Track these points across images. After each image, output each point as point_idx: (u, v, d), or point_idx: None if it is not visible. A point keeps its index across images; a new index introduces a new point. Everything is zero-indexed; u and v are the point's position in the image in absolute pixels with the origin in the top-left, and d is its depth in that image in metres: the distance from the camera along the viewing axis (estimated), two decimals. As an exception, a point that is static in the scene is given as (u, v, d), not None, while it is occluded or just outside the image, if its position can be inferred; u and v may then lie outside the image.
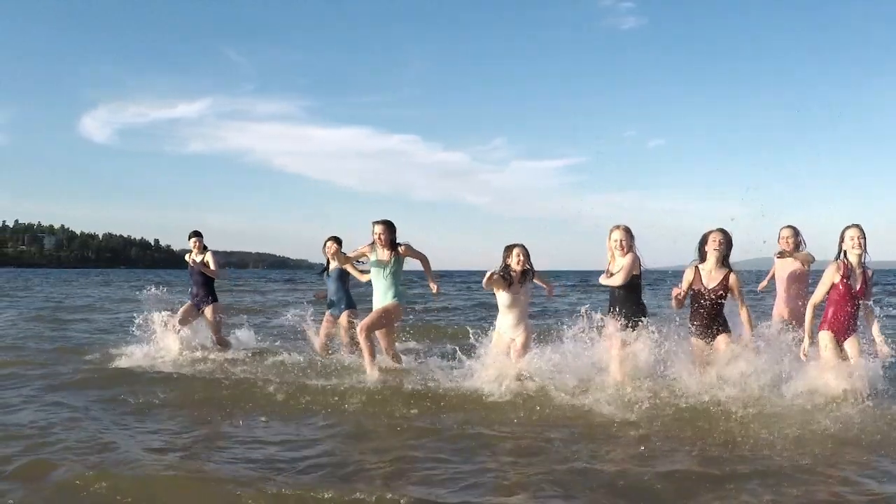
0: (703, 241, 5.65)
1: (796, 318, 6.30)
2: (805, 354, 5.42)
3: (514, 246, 6.27)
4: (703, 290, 5.60)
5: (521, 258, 6.19)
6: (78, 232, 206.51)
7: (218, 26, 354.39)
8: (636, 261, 5.81)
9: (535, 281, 6.35)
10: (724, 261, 5.63)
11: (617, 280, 5.74)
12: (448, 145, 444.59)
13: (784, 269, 6.65)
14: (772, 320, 6.42)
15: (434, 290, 6.83)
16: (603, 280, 5.89)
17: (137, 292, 8.80)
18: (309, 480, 3.68)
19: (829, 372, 5.25)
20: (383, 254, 6.81)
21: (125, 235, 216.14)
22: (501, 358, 6.13)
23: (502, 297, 6.20)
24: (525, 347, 6.15)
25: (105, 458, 4.00)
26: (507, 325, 6.27)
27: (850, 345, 5.44)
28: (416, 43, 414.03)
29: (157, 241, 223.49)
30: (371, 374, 6.45)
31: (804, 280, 6.63)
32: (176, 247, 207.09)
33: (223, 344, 8.23)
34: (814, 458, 3.95)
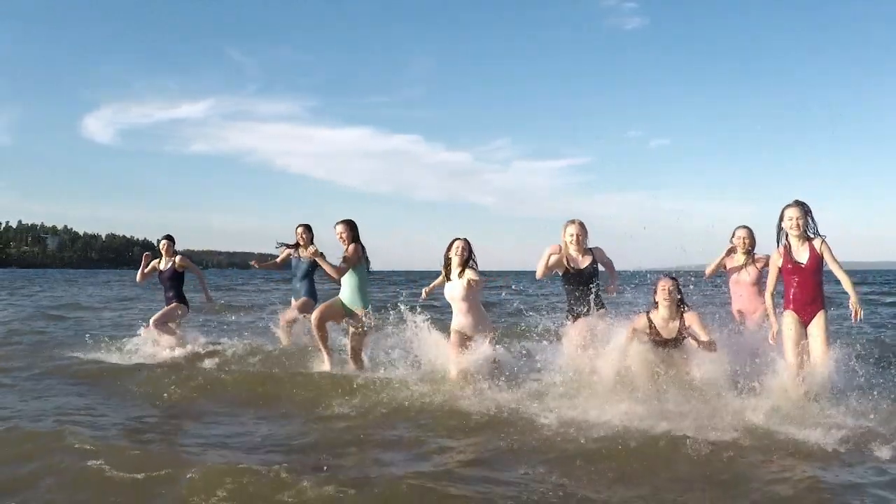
0: (656, 289, 5.46)
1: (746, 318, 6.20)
2: (773, 340, 5.44)
3: (455, 240, 6.30)
4: (660, 339, 5.43)
5: (460, 250, 6.19)
6: (81, 232, 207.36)
7: (221, 27, 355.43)
8: (605, 253, 6.16)
9: (471, 280, 6.13)
10: (677, 306, 5.42)
11: (615, 277, 6.16)
12: (451, 145, 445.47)
13: (735, 269, 6.36)
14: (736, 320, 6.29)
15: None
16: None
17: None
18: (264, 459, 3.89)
19: (787, 358, 5.23)
20: (346, 253, 6.69)
21: (128, 236, 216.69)
22: (456, 356, 6.11)
23: (446, 291, 6.27)
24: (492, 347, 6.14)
25: (99, 443, 4.23)
26: (459, 322, 6.24)
27: (815, 326, 5.32)
28: (419, 43, 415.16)
29: (159, 241, 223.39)
30: (326, 364, 6.65)
31: (753, 283, 6.25)
32: (178, 247, 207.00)
33: (157, 328, 8.10)
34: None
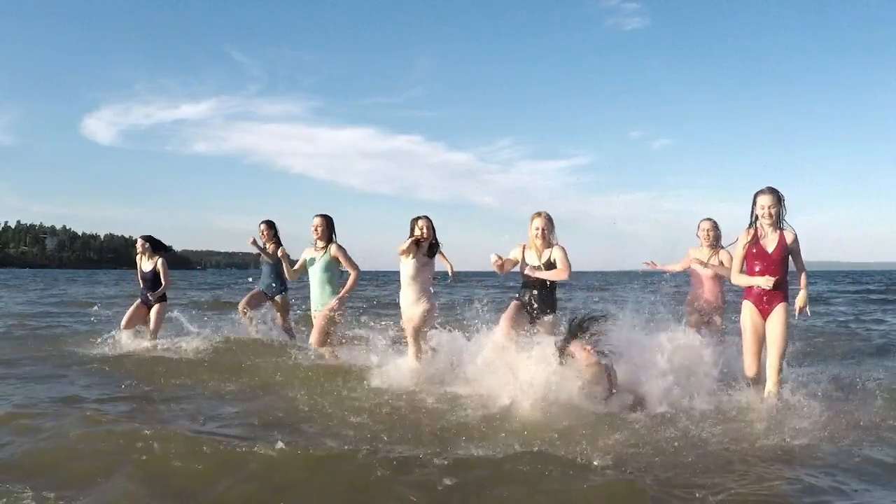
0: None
1: (706, 314, 6.27)
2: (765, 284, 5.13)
3: (419, 218, 6.41)
4: None
5: (426, 230, 6.31)
6: (80, 233, 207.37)
7: (223, 27, 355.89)
8: (566, 253, 5.79)
9: (441, 258, 6.51)
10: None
11: (564, 273, 5.66)
12: (452, 146, 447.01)
13: (699, 262, 6.44)
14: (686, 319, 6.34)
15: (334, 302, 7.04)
16: (535, 273, 5.72)
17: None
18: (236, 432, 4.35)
19: (745, 360, 5.27)
20: (318, 247, 6.93)
21: (126, 236, 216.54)
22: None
23: (407, 266, 6.29)
24: (424, 318, 6.23)
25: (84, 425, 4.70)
26: (408, 302, 6.33)
27: (773, 321, 5.13)
28: (421, 44, 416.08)
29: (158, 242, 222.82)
30: (329, 359, 6.85)
31: (715, 277, 6.37)
32: (178, 248, 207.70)
33: (154, 335, 8.45)
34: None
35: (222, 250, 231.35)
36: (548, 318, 5.77)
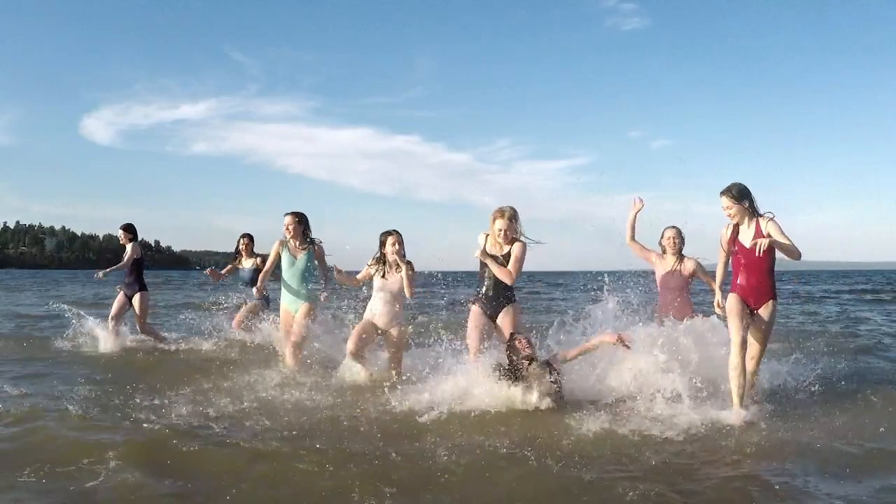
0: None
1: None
2: (719, 306, 5.33)
3: (389, 234, 6.26)
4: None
5: (397, 246, 6.19)
6: (79, 233, 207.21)
7: (222, 27, 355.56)
8: (525, 250, 5.67)
9: (405, 281, 6.09)
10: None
11: (509, 276, 5.60)
12: (452, 146, 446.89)
13: (663, 269, 6.43)
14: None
15: (322, 298, 6.91)
16: (493, 267, 5.66)
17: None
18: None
19: (731, 334, 5.02)
20: (293, 247, 6.76)
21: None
22: (362, 335, 6.13)
23: (376, 280, 6.26)
24: (400, 347, 6.15)
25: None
26: (377, 310, 6.19)
27: (759, 317, 5.10)
28: (420, 44, 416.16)
29: (157, 241, 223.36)
30: (288, 365, 6.66)
31: (684, 286, 6.35)
32: (177, 248, 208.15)
33: (147, 332, 8.80)
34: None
35: (222, 251, 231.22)
36: (507, 308, 5.74)
